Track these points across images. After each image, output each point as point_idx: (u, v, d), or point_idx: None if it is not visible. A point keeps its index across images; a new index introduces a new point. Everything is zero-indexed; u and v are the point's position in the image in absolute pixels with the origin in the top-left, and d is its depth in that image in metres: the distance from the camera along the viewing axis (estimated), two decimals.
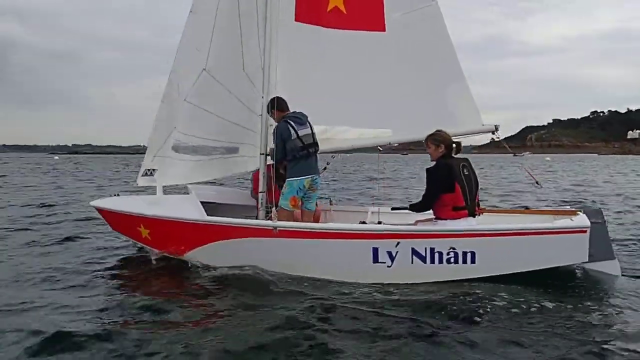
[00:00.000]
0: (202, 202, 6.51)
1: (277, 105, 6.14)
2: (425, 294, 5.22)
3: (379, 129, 6.94)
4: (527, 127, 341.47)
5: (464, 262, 5.40)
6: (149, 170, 6.82)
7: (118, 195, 7.34)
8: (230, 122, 6.71)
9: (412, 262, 5.47)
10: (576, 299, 5.18)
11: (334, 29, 6.84)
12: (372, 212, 6.96)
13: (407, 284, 5.44)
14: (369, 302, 5.05)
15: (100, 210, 7.12)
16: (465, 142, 6.39)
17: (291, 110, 6.31)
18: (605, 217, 5.85)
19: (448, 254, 5.41)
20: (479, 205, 5.98)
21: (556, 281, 5.49)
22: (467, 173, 5.77)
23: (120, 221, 6.87)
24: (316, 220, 6.83)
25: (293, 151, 6.02)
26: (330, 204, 7.39)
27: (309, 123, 6.19)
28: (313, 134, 6.18)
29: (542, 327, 4.43)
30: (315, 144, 6.19)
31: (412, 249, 5.46)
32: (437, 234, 5.51)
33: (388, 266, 5.51)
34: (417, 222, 6.00)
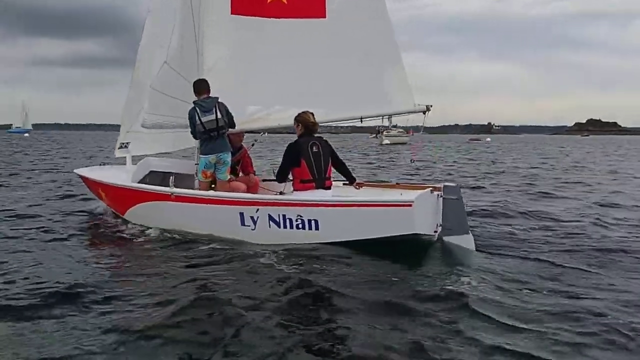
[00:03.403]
0: (159, 172, 7.78)
1: (195, 88, 7.08)
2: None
3: (311, 109, 7.51)
4: None
5: (310, 228, 6.05)
6: (123, 143, 8.32)
7: (103, 165, 8.97)
8: (188, 103, 7.83)
9: (269, 227, 6.23)
10: (428, 269, 5.46)
11: (274, 18, 7.52)
12: None
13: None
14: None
15: (80, 177, 8.80)
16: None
17: (213, 94, 7.05)
18: (462, 194, 6.05)
19: (296, 220, 6.08)
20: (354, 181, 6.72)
21: (410, 252, 5.77)
22: (315, 150, 6.37)
23: (90, 186, 8.51)
24: (254, 189, 7.70)
25: (198, 134, 6.99)
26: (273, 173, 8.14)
27: (217, 109, 6.94)
28: (217, 119, 6.91)
29: (392, 296, 4.67)
30: (219, 128, 6.95)
31: (269, 215, 6.21)
32: (287, 203, 6.22)
33: (252, 229, 6.33)
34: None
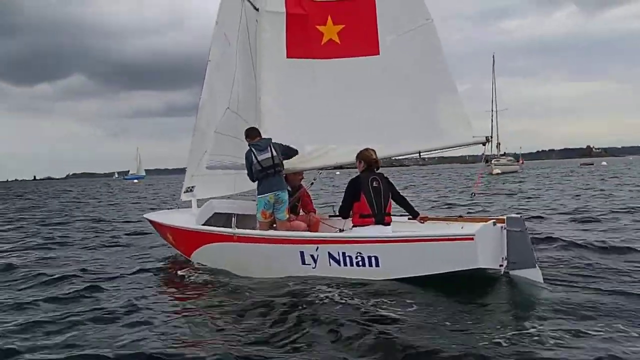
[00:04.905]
0: (223, 214, 8.01)
1: (247, 135, 7.37)
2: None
3: (368, 145, 7.44)
4: None
5: (370, 265, 5.93)
6: (189, 187, 8.68)
7: (171, 209, 9.36)
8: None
9: (330, 265, 6.16)
10: (496, 305, 5.19)
11: (329, 59, 7.61)
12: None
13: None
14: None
15: (149, 221, 9.23)
16: None
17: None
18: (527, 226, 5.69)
19: (356, 257, 5.99)
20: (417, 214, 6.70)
21: (480, 287, 5.58)
22: (375, 185, 6.40)
23: (160, 230, 8.88)
24: (315, 228, 7.68)
25: (256, 174, 7.16)
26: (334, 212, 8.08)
27: (271, 147, 7.15)
28: (273, 157, 7.11)
29: (461, 332, 4.55)
30: (275, 165, 7.12)
31: (329, 252, 6.15)
32: (347, 240, 6.15)
33: (313, 268, 6.28)
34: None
